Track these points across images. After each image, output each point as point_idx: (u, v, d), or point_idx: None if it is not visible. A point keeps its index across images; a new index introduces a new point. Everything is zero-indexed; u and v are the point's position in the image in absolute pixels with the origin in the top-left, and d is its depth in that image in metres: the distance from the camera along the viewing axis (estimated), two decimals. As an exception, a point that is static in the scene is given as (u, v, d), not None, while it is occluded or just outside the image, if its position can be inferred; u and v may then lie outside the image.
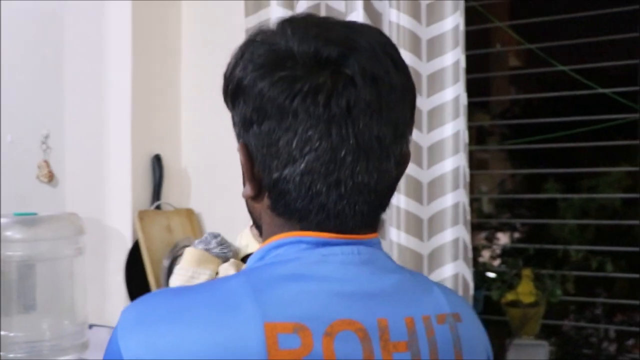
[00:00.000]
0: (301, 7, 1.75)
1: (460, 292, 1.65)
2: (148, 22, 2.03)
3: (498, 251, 4.16)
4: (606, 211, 3.86)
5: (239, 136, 0.78)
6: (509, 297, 2.95)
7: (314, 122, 0.71)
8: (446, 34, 1.66)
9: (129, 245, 1.94)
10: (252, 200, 0.79)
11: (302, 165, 0.72)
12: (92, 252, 1.89)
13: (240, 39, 1.85)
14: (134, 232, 1.94)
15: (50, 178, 2.09)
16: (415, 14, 1.66)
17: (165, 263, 1.82)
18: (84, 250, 1.84)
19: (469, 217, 1.68)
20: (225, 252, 1.58)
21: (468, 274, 1.67)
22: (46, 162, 2.10)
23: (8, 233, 1.69)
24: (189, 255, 1.58)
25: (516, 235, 4.53)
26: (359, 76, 0.72)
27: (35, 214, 1.78)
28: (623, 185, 3.59)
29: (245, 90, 0.75)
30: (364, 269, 0.75)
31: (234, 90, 0.77)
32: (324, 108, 0.71)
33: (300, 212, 0.75)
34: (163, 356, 0.66)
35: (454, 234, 1.64)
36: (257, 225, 0.83)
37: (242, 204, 0.86)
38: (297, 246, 0.74)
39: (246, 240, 1.61)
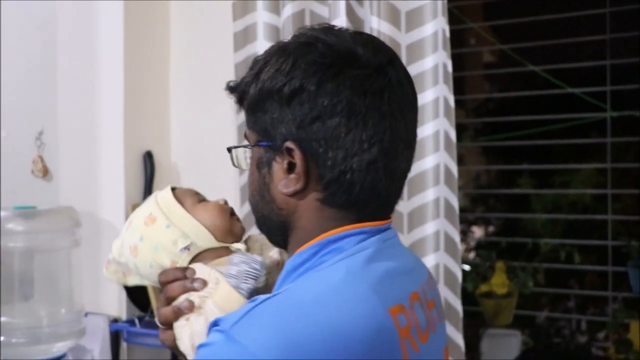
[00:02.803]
0: (287, 12, 1.84)
1: (444, 283, 1.76)
2: (139, 21, 2.10)
3: (473, 244, 4.28)
4: (577, 206, 3.99)
5: (287, 135, 0.79)
6: (483, 288, 3.08)
7: (380, 117, 0.80)
8: (426, 39, 1.75)
9: (122, 237, 2.02)
10: (295, 195, 0.81)
11: (369, 156, 0.79)
12: (88, 244, 1.97)
13: (227, 40, 1.98)
14: (128, 225, 2.02)
15: (45, 173, 2.16)
16: (395, 21, 1.76)
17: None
18: (80, 242, 1.92)
19: (457, 211, 1.78)
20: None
21: (454, 265, 1.77)
22: (40, 157, 2.17)
23: (9, 225, 1.78)
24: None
25: (491, 228, 4.65)
26: (404, 79, 0.84)
27: (34, 207, 1.86)
28: (594, 182, 3.72)
29: (307, 89, 0.78)
30: (402, 247, 0.89)
31: (293, 91, 0.78)
32: (388, 105, 0.80)
33: (360, 201, 0.81)
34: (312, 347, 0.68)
35: (434, 226, 1.75)
36: (274, 223, 0.85)
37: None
38: (359, 237, 0.81)
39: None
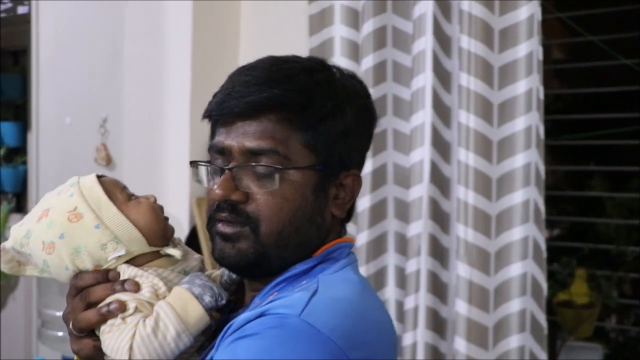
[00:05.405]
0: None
1: (530, 294, 1.61)
2: (208, 11, 2.01)
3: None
4: (656, 211, 3.74)
5: (356, 163, 0.86)
6: (562, 297, 2.88)
7: None
8: (520, 24, 1.60)
9: (186, 231, 1.93)
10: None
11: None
12: (150, 238, 1.89)
13: (299, 31, 1.86)
14: (191, 218, 1.94)
15: (108, 161, 2.09)
16: (488, 3, 1.60)
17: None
18: (142, 235, 1.83)
19: (543, 216, 1.62)
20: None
21: (539, 274, 1.62)
22: (104, 145, 2.10)
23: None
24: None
25: (559, 232, 4.43)
26: None
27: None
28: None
29: (375, 128, 0.88)
30: None
31: (373, 127, 0.88)
32: None
33: (350, 218, 0.89)
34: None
35: (523, 232, 1.59)
36: (310, 245, 0.83)
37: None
38: (347, 249, 0.86)
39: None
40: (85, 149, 2.13)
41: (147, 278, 0.79)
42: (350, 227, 1.76)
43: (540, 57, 1.59)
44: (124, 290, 0.78)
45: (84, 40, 2.17)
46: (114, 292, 0.79)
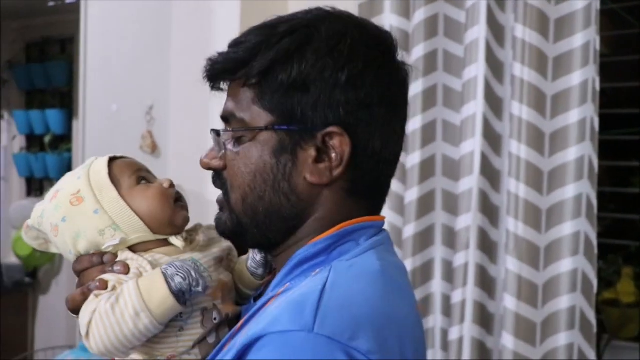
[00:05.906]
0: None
1: (580, 291, 1.57)
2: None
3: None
4: None
5: (333, 120, 0.72)
6: (607, 295, 2.82)
7: (405, 109, 0.80)
8: (577, 13, 1.55)
9: (229, 219, 1.93)
10: (326, 185, 0.74)
11: (397, 148, 0.78)
12: (194, 225, 1.89)
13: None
14: (236, 206, 1.94)
15: (154, 149, 2.10)
16: (543, -7, 1.57)
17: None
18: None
19: (595, 211, 1.58)
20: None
21: (590, 270, 1.58)
22: (150, 132, 2.11)
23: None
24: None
25: (599, 229, 4.33)
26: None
27: (142, 184, 1.79)
28: None
29: (366, 75, 0.74)
30: None
31: (352, 75, 0.72)
32: (407, 96, 0.81)
33: (379, 193, 0.79)
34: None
35: (574, 227, 1.55)
36: (283, 216, 0.75)
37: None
38: (372, 230, 0.76)
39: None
40: (130, 137, 2.14)
41: (137, 261, 0.77)
42: (396, 219, 1.74)
43: (598, 47, 1.55)
44: (113, 272, 0.76)
45: (131, 28, 2.18)
46: (104, 274, 0.77)
